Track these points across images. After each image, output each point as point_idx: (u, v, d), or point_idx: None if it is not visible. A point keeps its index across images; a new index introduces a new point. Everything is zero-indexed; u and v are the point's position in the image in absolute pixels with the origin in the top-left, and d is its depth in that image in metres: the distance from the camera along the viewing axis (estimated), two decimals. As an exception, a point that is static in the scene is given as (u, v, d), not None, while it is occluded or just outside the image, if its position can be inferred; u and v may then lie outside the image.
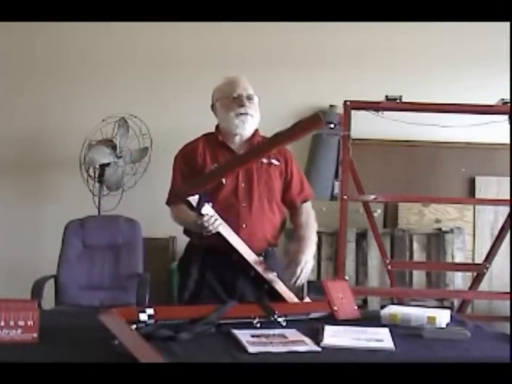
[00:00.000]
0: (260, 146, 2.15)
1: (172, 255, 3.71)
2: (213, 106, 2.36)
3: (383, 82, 3.89)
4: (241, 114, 2.27)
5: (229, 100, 2.28)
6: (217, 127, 2.37)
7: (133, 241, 3.50)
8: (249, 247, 2.16)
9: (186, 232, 2.37)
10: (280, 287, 2.15)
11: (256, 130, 2.37)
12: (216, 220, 2.05)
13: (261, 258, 2.22)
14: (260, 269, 2.14)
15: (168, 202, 2.34)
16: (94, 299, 3.32)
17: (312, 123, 1.89)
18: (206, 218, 2.03)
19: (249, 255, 2.13)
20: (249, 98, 2.29)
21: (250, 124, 2.29)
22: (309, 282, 3.76)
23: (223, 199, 2.22)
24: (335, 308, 1.93)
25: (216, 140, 2.32)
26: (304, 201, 2.43)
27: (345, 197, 3.40)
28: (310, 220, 2.41)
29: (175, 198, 2.28)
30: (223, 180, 2.15)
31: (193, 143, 2.36)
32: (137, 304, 3.13)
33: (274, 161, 2.34)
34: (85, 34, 3.98)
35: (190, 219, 2.14)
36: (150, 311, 1.69)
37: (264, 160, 2.32)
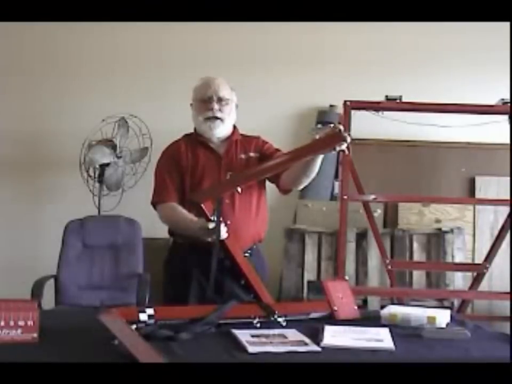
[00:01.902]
0: (277, 160, 2.11)
1: (171, 255, 3.71)
2: (192, 106, 2.39)
3: (383, 82, 3.89)
4: (209, 118, 2.28)
5: (200, 103, 2.31)
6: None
7: (133, 241, 3.50)
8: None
9: (170, 232, 2.38)
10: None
11: (235, 129, 2.39)
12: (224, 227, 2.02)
13: (247, 255, 2.23)
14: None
15: (155, 202, 2.35)
16: (94, 299, 3.31)
17: (332, 138, 1.86)
18: (215, 224, 1.99)
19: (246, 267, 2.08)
20: (221, 100, 2.29)
21: (220, 128, 2.31)
22: (309, 282, 3.78)
23: None
24: (335, 308, 1.93)
25: (196, 139, 2.35)
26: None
27: (345, 197, 3.40)
28: None
29: (163, 197, 2.29)
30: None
31: (175, 144, 2.39)
32: (137, 304, 3.13)
33: (252, 154, 2.35)
34: (85, 35, 3.98)
35: (192, 223, 2.13)
36: (150, 311, 1.69)
37: (243, 156, 2.33)
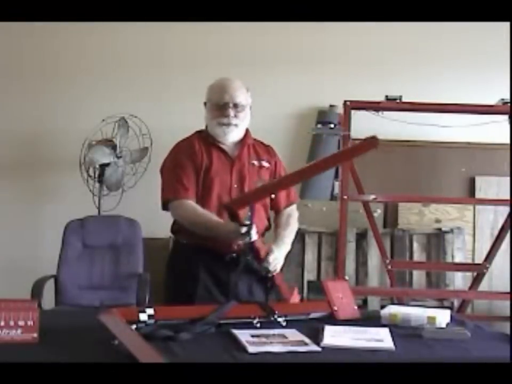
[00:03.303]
0: (312, 166, 2.09)
1: (171, 255, 3.70)
2: (205, 104, 2.36)
3: (383, 82, 3.89)
4: (224, 124, 2.25)
5: (215, 106, 2.27)
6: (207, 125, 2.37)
7: (133, 241, 3.50)
8: None
9: (173, 230, 2.35)
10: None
11: (247, 132, 2.37)
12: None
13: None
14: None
15: (170, 199, 2.25)
16: (94, 299, 3.32)
17: (367, 145, 1.88)
18: (247, 228, 2.00)
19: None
20: (236, 106, 2.26)
21: (233, 133, 2.28)
22: (309, 282, 3.78)
23: (216, 198, 2.22)
24: (335, 308, 1.93)
25: (208, 138, 2.32)
26: (289, 205, 2.42)
27: (345, 197, 3.40)
28: (291, 221, 2.38)
29: (180, 194, 2.21)
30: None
31: (189, 140, 2.34)
32: (137, 304, 3.13)
33: (265, 164, 2.35)
34: (85, 35, 3.97)
35: (222, 226, 2.11)
36: (150, 311, 1.69)
37: (255, 163, 2.32)
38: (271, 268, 2.14)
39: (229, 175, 2.26)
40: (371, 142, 1.77)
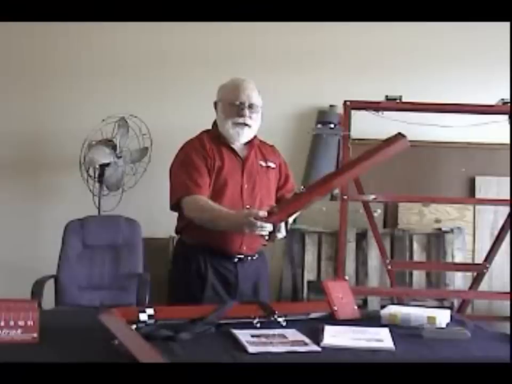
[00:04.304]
0: (343, 169, 2.06)
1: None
2: (215, 104, 2.34)
3: (383, 82, 3.89)
4: (239, 124, 2.24)
5: (230, 106, 2.25)
6: (215, 123, 2.35)
7: (133, 241, 3.50)
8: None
9: (179, 230, 2.33)
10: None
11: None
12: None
13: (256, 256, 2.29)
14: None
15: (184, 194, 2.18)
16: (94, 299, 3.32)
17: (396, 143, 1.89)
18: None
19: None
20: (251, 107, 2.24)
21: (246, 134, 2.28)
22: (309, 282, 3.78)
23: (228, 198, 2.22)
24: (335, 308, 1.93)
25: (218, 138, 2.31)
26: None
27: (345, 197, 3.40)
28: None
29: (195, 190, 2.17)
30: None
31: (198, 140, 2.31)
32: (137, 304, 3.13)
33: (271, 165, 2.36)
34: (85, 35, 3.97)
35: (232, 213, 2.10)
36: (150, 311, 1.70)
37: (262, 163, 2.32)
38: (280, 235, 2.13)
39: (240, 176, 2.26)
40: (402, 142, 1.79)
